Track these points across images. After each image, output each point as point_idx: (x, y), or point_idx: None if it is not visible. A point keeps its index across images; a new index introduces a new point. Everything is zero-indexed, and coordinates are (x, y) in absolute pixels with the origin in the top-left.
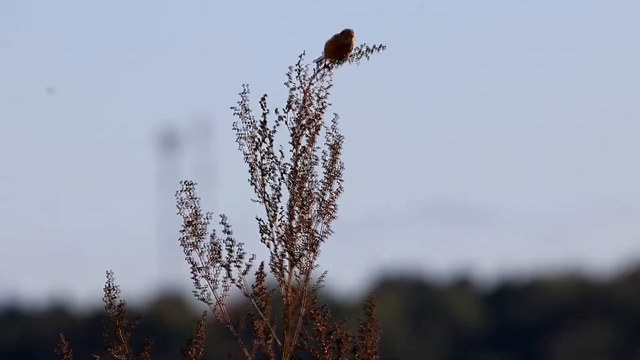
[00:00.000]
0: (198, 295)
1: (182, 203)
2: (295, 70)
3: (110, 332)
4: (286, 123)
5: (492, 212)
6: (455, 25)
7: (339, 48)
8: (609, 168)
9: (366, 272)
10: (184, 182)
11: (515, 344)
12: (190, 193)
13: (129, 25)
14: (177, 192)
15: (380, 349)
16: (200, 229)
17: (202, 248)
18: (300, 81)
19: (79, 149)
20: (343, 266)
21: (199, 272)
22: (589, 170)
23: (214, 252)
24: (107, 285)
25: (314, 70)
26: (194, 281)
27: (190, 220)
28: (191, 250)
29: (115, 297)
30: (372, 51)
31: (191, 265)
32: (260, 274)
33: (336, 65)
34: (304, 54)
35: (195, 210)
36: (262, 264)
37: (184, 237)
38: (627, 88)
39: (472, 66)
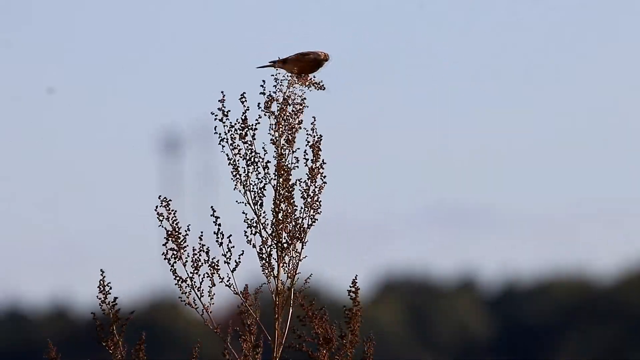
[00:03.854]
0: (184, 301)
1: (162, 218)
2: (273, 76)
3: (105, 328)
4: (269, 118)
5: (497, 215)
6: (455, 25)
7: (312, 66)
8: (614, 171)
9: (371, 274)
10: (162, 199)
11: (520, 347)
12: (168, 208)
13: (130, 26)
14: (155, 207)
15: (384, 351)
16: (181, 241)
17: (185, 258)
18: (277, 87)
19: (80, 150)
20: (347, 269)
21: (184, 282)
22: (594, 173)
23: (196, 259)
24: (101, 282)
25: (287, 79)
26: (180, 290)
27: (171, 232)
28: (175, 262)
29: (109, 293)
30: (316, 87)
31: (175, 277)
32: (245, 290)
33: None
34: (279, 58)
35: (175, 223)
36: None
37: (166, 251)
38: (630, 89)
39: (473, 67)
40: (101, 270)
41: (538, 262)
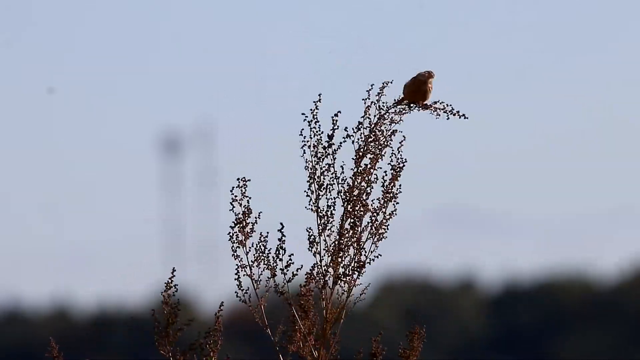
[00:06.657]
0: (239, 297)
1: (235, 200)
2: (376, 94)
3: (160, 328)
4: (353, 142)
5: (497, 216)
6: (455, 25)
7: (417, 88)
8: (614, 173)
9: (371, 275)
10: (240, 179)
11: (520, 347)
12: (243, 190)
13: (131, 27)
14: (231, 188)
15: (383, 351)
16: (249, 228)
17: (249, 247)
18: (379, 107)
19: (80, 151)
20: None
21: (243, 270)
22: (594, 175)
23: (262, 251)
24: (169, 281)
25: (394, 100)
26: (237, 281)
27: (240, 217)
28: (238, 248)
29: (173, 295)
30: (453, 114)
31: (236, 263)
32: (310, 275)
33: (413, 108)
34: (391, 82)
35: (247, 208)
36: (313, 266)
37: (232, 234)
38: (630, 90)
39: (474, 67)
40: (173, 268)
41: (538, 262)
